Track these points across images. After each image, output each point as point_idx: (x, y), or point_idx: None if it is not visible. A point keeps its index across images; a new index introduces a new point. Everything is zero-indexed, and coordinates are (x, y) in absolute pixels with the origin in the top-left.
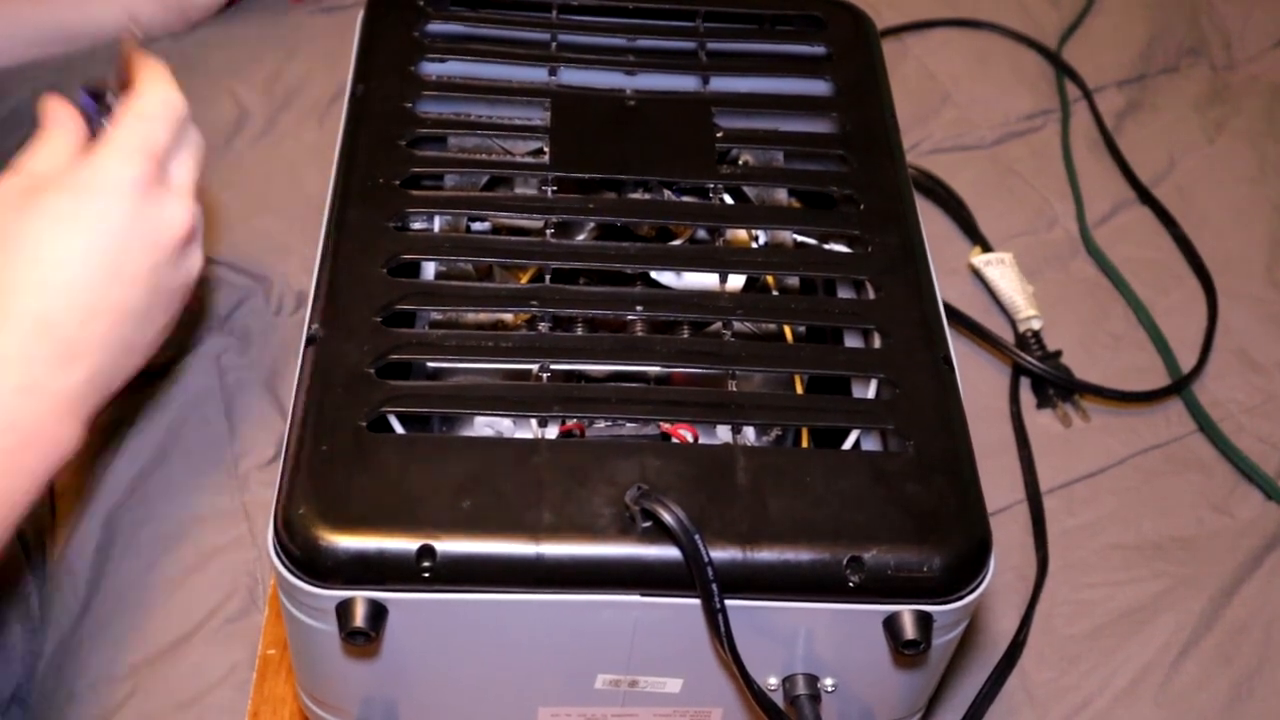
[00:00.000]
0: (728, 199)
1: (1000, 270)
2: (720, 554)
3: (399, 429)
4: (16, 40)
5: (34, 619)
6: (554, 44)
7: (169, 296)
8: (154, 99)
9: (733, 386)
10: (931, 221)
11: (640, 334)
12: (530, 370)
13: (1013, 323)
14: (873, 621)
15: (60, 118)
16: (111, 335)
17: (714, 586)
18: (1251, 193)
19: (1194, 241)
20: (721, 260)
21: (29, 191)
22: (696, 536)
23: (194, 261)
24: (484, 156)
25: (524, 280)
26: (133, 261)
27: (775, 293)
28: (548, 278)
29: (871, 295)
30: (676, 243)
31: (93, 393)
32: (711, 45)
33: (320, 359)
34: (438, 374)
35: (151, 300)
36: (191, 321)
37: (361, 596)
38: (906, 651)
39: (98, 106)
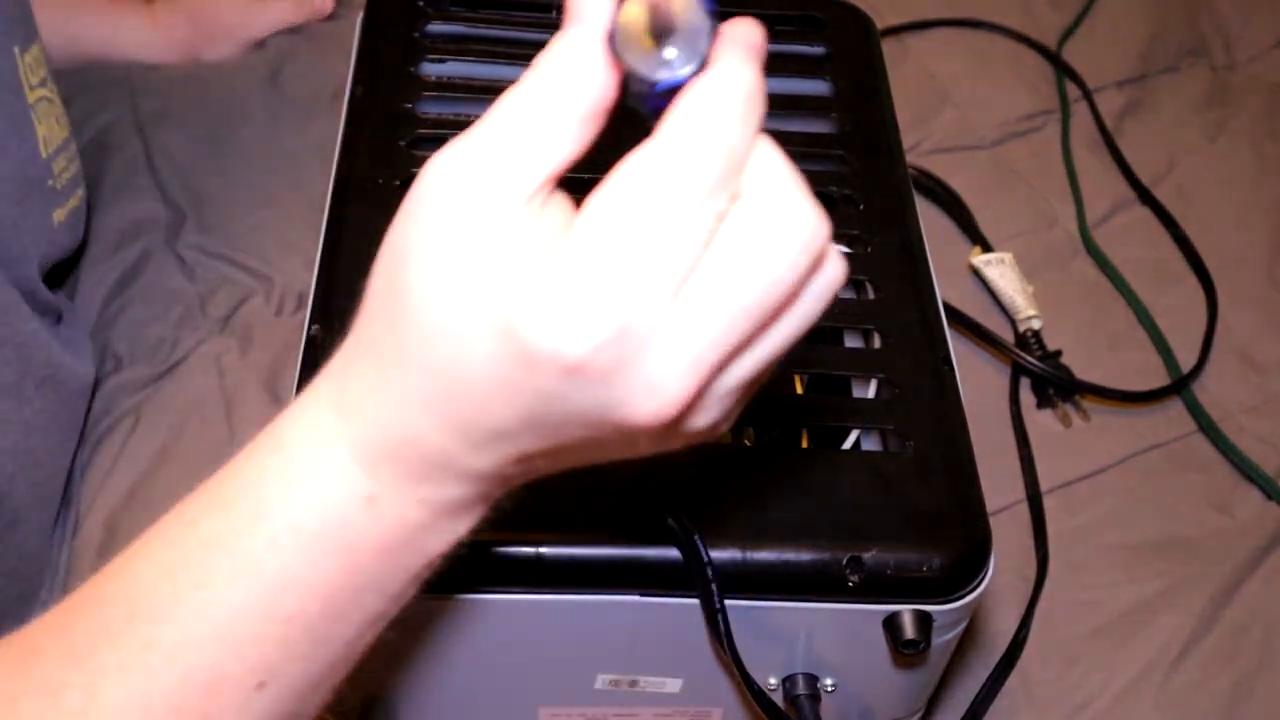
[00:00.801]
0: None
1: (1000, 270)
2: (720, 554)
3: None
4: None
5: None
6: None
7: (623, 448)
8: (781, 234)
9: None
10: (931, 221)
11: None
12: None
13: (1013, 323)
14: (872, 621)
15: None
16: (500, 465)
17: (714, 586)
18: (1252, 192)
19: (1194, 241)
20: None
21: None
22: (696, 537)
23: (692, 431)
24: None
25: None
26: (547, 428)
27: None
28: None
29: (871, 295)
30: None
31: (481, 498)
32: None
33: (320, 359)
34: None
35: (582, 453)
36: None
37: None
38: (906, 651)
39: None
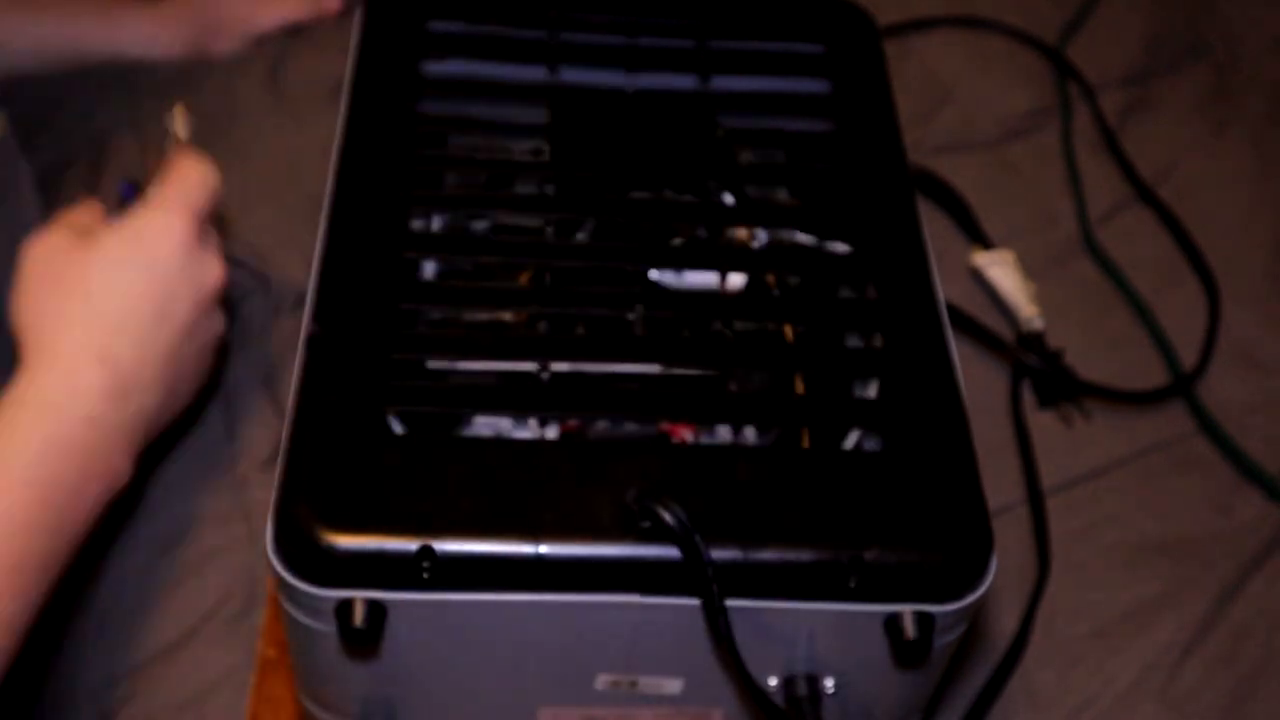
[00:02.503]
0: (728, 198)
1: (1001, 270)
2: (720, 554)
3: (398, 429)
4: (43, 55)
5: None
6: (554, 43)
7: (203, 348)
8: (194, 171)
9: (733, 386)
10: (932, 221)
11: (641, 334)
12: (530, 370)
13: (1014, 322)
14: (873, 622)
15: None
16: (160, 375)
17: (714, 587)
18: (1253, 192)
19: (1196, 241)
20: (722, 260)
21: (81, 237)
22: (696, 537)
23: (220, 319)
24: (484, 156)
25: (524, 280)
26: (179, 307)
27: (776, 292)
28: (548, 277)
29: (872, 295)
30: (677, 242)
31: (143, 428)
32: (712, 45)
33: (319, 358)
34: (438, 374)
35: (191, 348)
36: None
37: (361, 597)
38: (907, 652)
39: (135, 195)
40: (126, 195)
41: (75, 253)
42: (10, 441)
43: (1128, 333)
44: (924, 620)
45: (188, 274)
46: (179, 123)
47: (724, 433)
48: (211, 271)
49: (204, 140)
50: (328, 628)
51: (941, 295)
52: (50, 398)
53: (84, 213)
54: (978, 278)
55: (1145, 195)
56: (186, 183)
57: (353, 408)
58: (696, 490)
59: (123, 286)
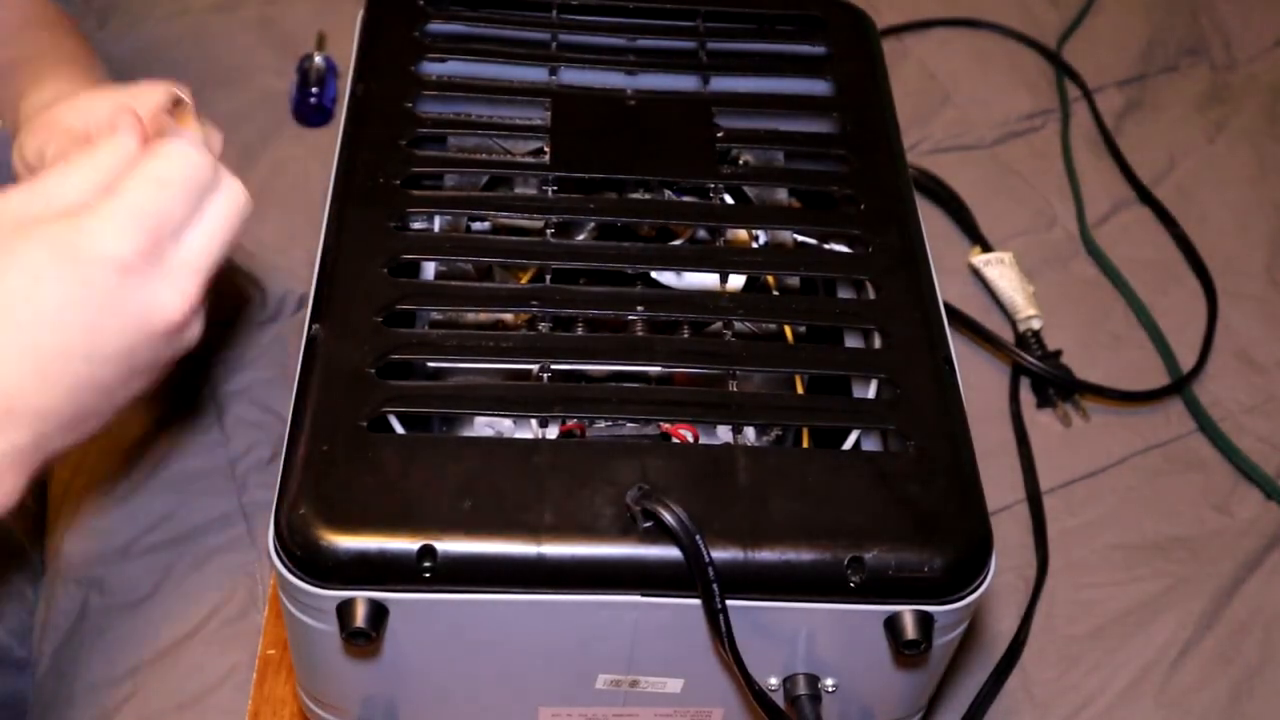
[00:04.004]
0: (728, 199)
1: (1000, 270)
2: (721, 554)
3: (399, 429)
4: None
5: (33, 621)
6: (554, 44)
7: (145, 374)
8: (176, 162)
9: (733, 386)
10: (931, 221)
11: (641, 334)
12: (530, 370)
13: (1013, 322)
14: (873, 622)
15: (120, 136)
16: (64, 406)
17: (715, 587)
18: (1252, 192)
19: (1194, 241)
20: (722, 260)
21: (18, 228)
22: (697, 537)
23: (186, 340)
24: (484, 156)
25: (524, 280)
26: (104, 342)
27: (775, 293)
28: (548, 278)
29: (872, 295)
30: (677, 243)
31: (36, 455)
32: (712, 45)
33: (320, 359)
34: (438, 374)
35: (122, 378)
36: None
37: (362, 597)
38: (907, 652)
39: None
40: None
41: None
42: None
43: (1126, 333)
44: (924, 620)
45: (122, 307)
46: (169, 102)
47: (724, 433)
48: (164, 300)
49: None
50: (329, 627)
51: (941, 295)
52: None
53: (80, 174)
54: (977, 278)
55: (1144, 195)
56: (158, 180)
57: (353, 408)
58: (697, 490)
59: (36, 302)
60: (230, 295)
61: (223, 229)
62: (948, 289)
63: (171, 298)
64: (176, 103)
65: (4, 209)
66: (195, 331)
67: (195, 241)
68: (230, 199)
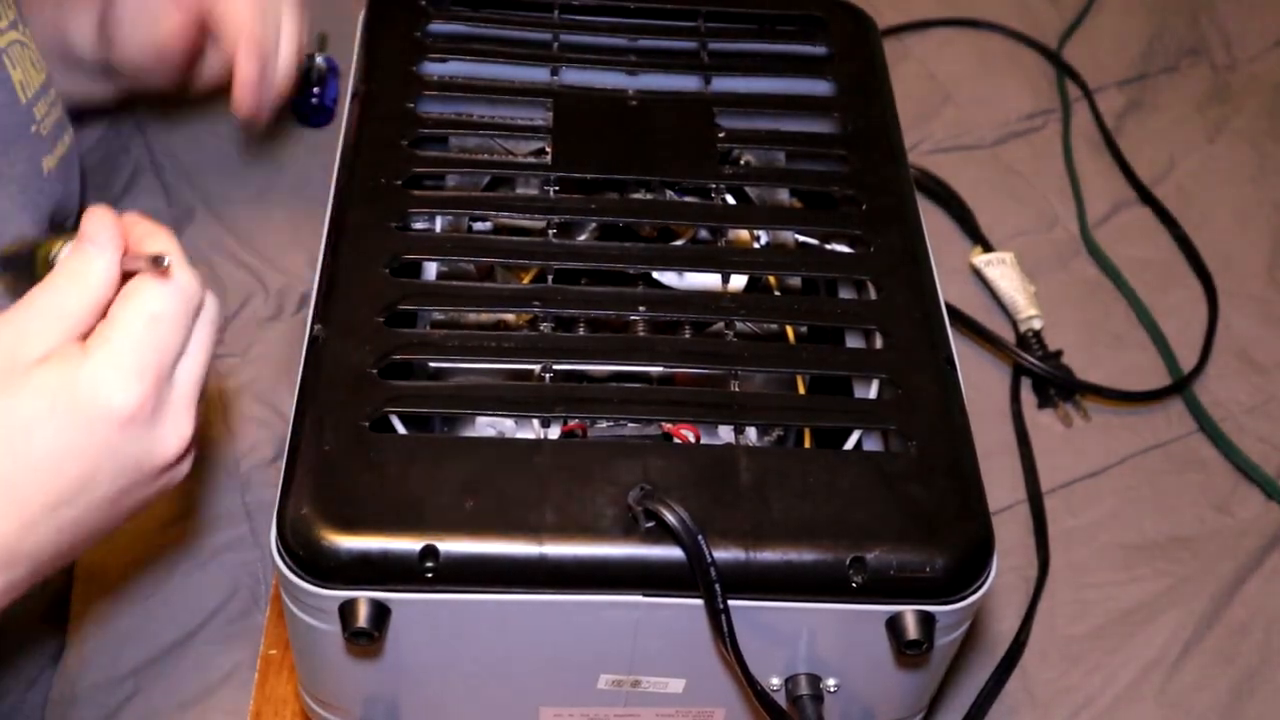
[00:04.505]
0: (729, 199)
1: (1001, 270)
2: (723, 554)
3: (401, 429)
4: None
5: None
6: (556, 44)
7: (132, 510)
8: (170, 295)
9: (735, 387)
10: (932, 221)
11: (642, 334)
12: (532, 370)
13: (1014, 323)
14: (875, 622)
15: (87, 253)
16: (45, 552)
17: (717, 587)
18: (1252, 192)
19: (1194, 241)
20: (723, 260)
21: (5, 379)
22: (699, 537)
23: (178, 474)
24: (486, 156)
25: (526, 280)
26: (96, 488)
27: (777, 293)
28: (550, 278)
29: (873, 295)
30: (678, 243)
31: (7, 594)
32: (713, 45)
33: (322, 359)
34: (440, 374)
35: (109, 519)
36: None
37: (364, 597)
38: (909, 652)
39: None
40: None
41: None
42: None
43: (1126, 333)
44: (925, 620)
45: (122, 455)
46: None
47: (726, 433)
48: (164, 441)
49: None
50: (331, 627)
51: (942, 295)
52: None
53: (54, 307)
54: (977, 278)
55: (1144, 195)
56: (153, 316)
57: (355, 408)
58: (699, 490)
59: (28, 456)
60: (232, 294)
61: (208, 349)
62: (949, 289)
63: (168, 439)
64: (156, 260)
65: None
66: (188, 465)
67: (187, 371)
68: (212, 314)
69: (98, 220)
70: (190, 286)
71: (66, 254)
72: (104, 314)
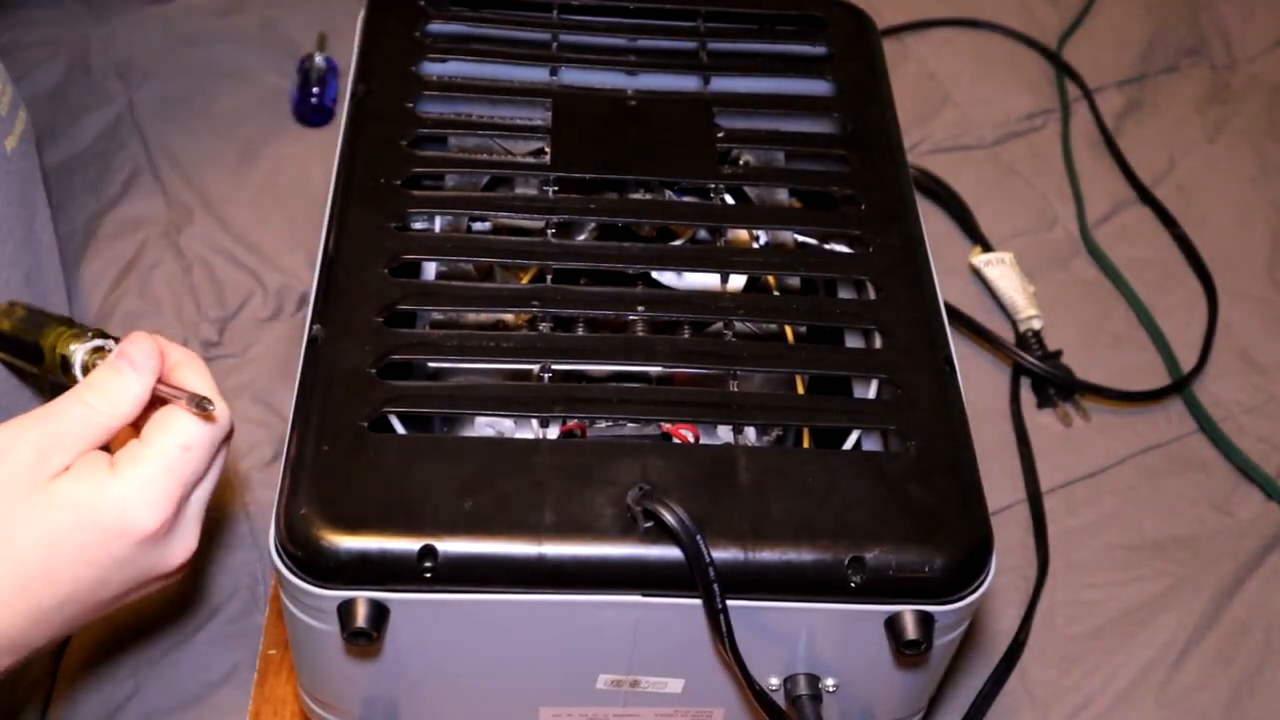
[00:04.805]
0: (729, 199)
1: (1001, 270)
2: (722, 554)
3: (400, 429)
4: None
5: None
6: (555, 44)
7: (135, 601)
8: (203, 427)
9: (734, 387)
10: (932, 221)
11: (641, 334)
12: (531, 370)
13: (1013, 322)
14: (874, 622)
15: (125, 375)
16: (47, 635)
17: (716, 587)
18: (1252, 192)
19: (1194, 241)
20: (722, 260)
21: (33, 485)
22: (698, 537)
23: (177, 580)
24: (485, 156)
25: (525, 280)
26: (107, 591)
27: (776, 293)
28: (549, 278)
29: (872, 295)
30: (677, 243)
31: (16, 667)
32: (712, 45)
33: (321, 359)
34: (439, 374)
35: (111, 608)
36: None
37: (363, 597)
38: (908, 652)
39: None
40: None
41: (21, 495)
42: None
43: (1126, 333)
44: (924, 620)
45: (136, 566)
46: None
47: (725, 433)
48: (175, 554)
49: (206, 140)
50: (330, 627)
51: (942, 295)
52: None
53: (67, 427)
54: (977, 278)
55: (1144, 196)
56: (187, 445)
57: (355, 408)
58: (697, 490)
59: (53, 555)
60: (231, 294)
61: (220, 472)
62: (948, 289)
63: (176, 553)
64: (201, 403)
65: (13, 461)
66: (186, 570)
67: (203, 492)
68: (229, 443)
69: (138, 344)
70: (223, 420)
71: (82, 355)
72: (129, 430)
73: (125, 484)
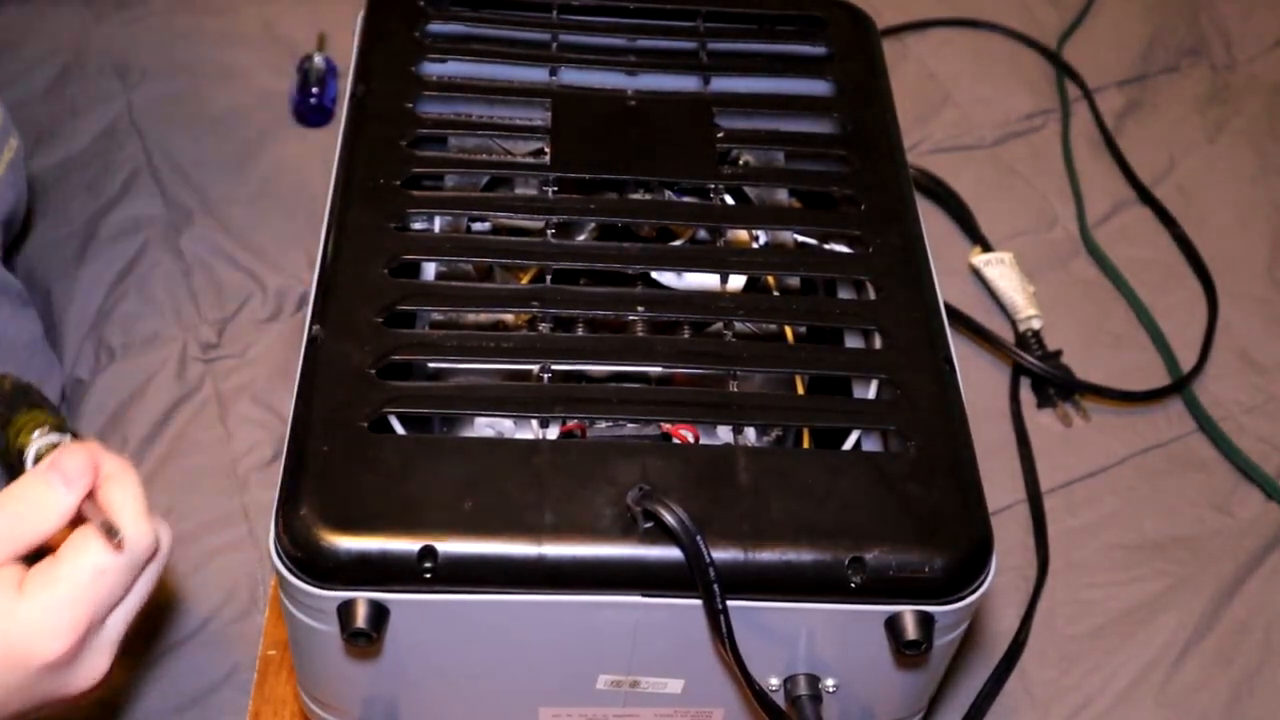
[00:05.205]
0: (728, 199)
1: (1000, 270)
2: (722, 554)
3: (400, 430)
4: None
5: None
6: (555, 44)
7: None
8: (119, 553)
9: (734, 387)
10: (932, 221)
11: (641, 334)
12: (531, 371)
13: (1013, 323)
14: (874, 622)
15: (55, 488)
16: None
17: (716, 587)
18: (1252, 192)
19: (1194, 241)
20: (722, 261)
21: None
22: (698, 537)
23: (83, 702)
24: (484, 157)
25: (525, 281)
26: (8, 712)
27: (776, 293)
28: (548, 278)
29: (872, 295)
30: (677, 243)
31: None
32: (712, 45)
33: (321, 360)
34: (439, 374)
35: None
36: None
37: (363, 597)
38: (908, 652)
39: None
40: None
41: None
42: None
43: (1126, 333)
44: (924, 620)
45: (40, 688)
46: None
47: (725, 433)
48: (79, 680)
49: (206, 141)
50: (330, 628)
51: (941, 295)
52: None
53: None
54: (977, 278)
55: (1144, 195)
56: (101, 571)
57: (354, 409)
58: (697, 491)
59: None
60: (231, 295)
61: (147, 592)
62: (948, 289)
63: (82, 679)
64: (110, 531)
65: None
66: (97, 692)
67: (119, 617)
68: (162, 554)
69: (73, 457)
70: (140, 544)
71: (35, 449)
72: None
73: (31, 608)
